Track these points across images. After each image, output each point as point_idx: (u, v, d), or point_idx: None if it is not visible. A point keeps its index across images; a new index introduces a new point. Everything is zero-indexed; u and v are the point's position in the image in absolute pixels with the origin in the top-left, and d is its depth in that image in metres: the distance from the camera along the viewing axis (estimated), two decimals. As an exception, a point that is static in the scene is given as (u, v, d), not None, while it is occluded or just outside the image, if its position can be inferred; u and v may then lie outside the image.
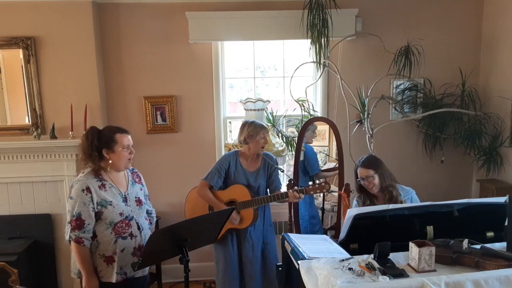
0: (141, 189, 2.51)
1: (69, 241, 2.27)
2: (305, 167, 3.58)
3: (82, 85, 3.53)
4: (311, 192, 2.78)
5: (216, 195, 2.94)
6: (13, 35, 3.42)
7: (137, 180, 2.51)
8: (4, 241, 3.51)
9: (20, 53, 3.45)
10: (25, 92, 3.51)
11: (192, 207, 3.08)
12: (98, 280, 2.29)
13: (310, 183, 2.81)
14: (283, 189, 3.04)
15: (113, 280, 2.28)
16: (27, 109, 3.54)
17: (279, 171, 3.07)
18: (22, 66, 3.47)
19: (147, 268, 2.47)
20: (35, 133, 3.47)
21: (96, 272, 2.29)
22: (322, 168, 3.74)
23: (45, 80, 3.52)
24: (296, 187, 2.77)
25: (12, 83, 3.53)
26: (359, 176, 2.68)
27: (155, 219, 2.64)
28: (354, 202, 2.82)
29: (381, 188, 2.64)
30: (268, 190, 3.03)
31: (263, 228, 3.02)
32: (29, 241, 3.52)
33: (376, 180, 2.62)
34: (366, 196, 2.72)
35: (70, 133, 3.47)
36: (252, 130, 2.89)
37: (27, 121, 3.57)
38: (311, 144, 3.67)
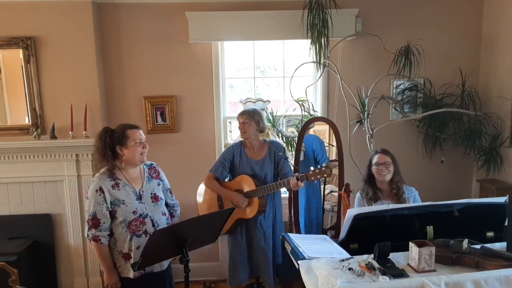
0: (159, 184, 2.54)
1: (89, 240, 2.35)
2: (315, 158, 3.58)
3: (82, 85, 3.52)
4: (312, 178, 2.77)
5: (223, 186, 3.03)
6: (13, 35, 3.42)
7: (154, 175, 2.54)
8: (4, 241, 3.51)
9: (20, 53, 3.45)
10: (25, 92, 3.50)
11: (203, 200, 3.16)
12: (118, 275, 2.37)
13: (312, 168, 2.81)
14: None
15: (131, 276, 2.35)
16: (27, 109, 3.54)
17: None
18: (22, 66, 3.47)
19: (164, 263, 2.49)
20: (35, 133, 3.47)
21: (116, 267, 2.37)
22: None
23: (45, 80, 3.52)
24: (297, 174, 2.81)
25: (12, 83, 3.53)
26: (375, 161, 2.75)
27: (178, 211, 2.68)
28: (358, 194, 2.83)
29: (391, 180, 2.72)
30: (279, 178, 3.05)
31: (273, 217, 3.05)
32: (29, 241, 3.52)
33: (391, 168, 2.72)
34: (370, 188, 2.76)
35: (70, 133, 3.47)
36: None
37: (27, 121, 3.57)
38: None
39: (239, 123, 3.00)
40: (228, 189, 3.02)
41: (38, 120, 3.54)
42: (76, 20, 3.45)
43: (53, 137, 3.48)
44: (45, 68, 3.50)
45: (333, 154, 3.84)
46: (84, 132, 3.47)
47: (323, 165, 2.77)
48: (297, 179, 2.76)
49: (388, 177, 2.72)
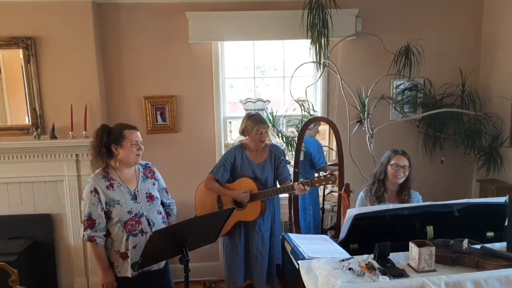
0: (154, 184, 2.53)
1: (85, 240, 2.39)
2: (311, 160, 3.58)
3: (82, 85, 3.52)
4: (317, 184, 2.78)
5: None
6: (13, 35, 3.42)
7: (149, 175, 2.54)
8: (4, 241, 3.51)
9: (20, 53, 3.45)
10: (25, 92, 3.50)
11: (201, 201, 3.13)
12: (114, 275, 2.39)
13: (316, 175, 2.81)
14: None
15: (129, 275, 2.36)
16: (27, 109, 3.54)
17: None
18: (22, 66, 3.47)
19: (163, 262, 2.50)
20: (35, 133, 3.47)
21: (113, 267, 2.39)
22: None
23: (45, 80, 3.52)
24: (302, 180, 2.78)
25: (12, 83, 3.53)
26: (394, 162, 2.68)
27: (174, 210, 2.69)
28: (361, 194, 2.81)
29: (404, 185, 2.69)
30: (277, 181, 3.04)
31: (271, 220, 3.04)
32: (29, 241, 3.52)
33: (407, 172, 2.69)
34: (381, 187, 2.72)
35: (70, 133, 3.47)
36: (250, 124, 2.93)
37: (27, 121, 3.57)
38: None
39: (260, 133, 2.90)
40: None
41: (38, 120, 3.54)
42: (76, 20, 3.45)
43: (53, 137, 3.48)
44: (45, 68, 3.50)
45: (332, 154, 3.84)
46: (84, 132, 3.47)
47: (328, 172, 2.77)
48: (303, 184, 2.75)
49: (402, 180, 2.68)
